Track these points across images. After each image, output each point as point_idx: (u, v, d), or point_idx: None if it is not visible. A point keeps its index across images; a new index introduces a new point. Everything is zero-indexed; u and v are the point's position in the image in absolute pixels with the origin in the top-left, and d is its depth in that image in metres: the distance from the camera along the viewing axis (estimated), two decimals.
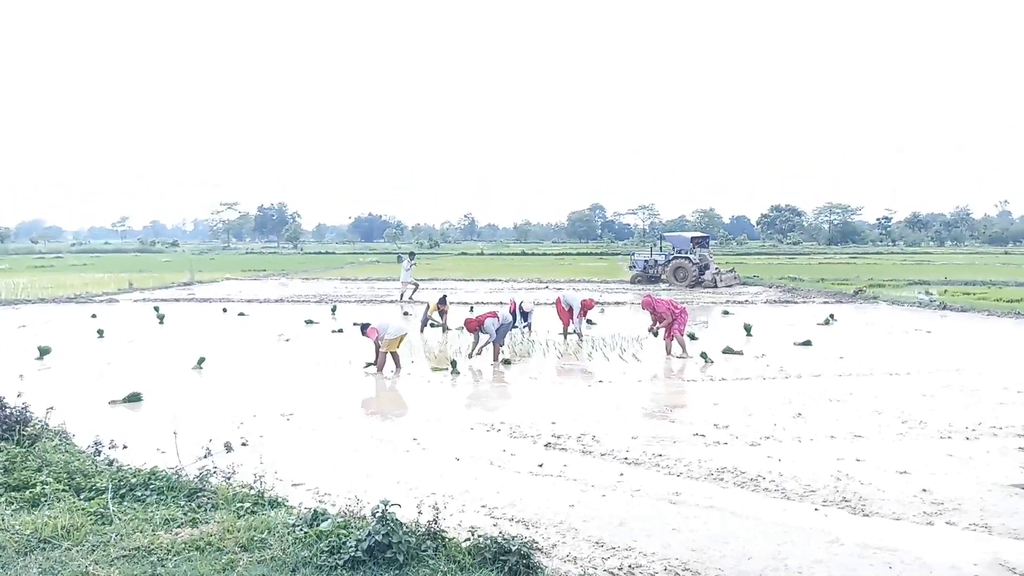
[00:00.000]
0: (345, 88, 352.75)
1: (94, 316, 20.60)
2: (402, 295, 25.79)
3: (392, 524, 4.64)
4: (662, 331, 14.09)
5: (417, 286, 26.06)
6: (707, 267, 32.29)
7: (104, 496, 5.14)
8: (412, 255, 27.31)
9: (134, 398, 10.47)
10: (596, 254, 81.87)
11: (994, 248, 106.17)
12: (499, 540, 4.70)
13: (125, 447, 6.80)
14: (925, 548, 5.46)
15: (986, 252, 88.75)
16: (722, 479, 6.97)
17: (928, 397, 10.45)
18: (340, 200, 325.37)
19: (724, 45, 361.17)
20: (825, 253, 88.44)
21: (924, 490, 6.62)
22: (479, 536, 4.88)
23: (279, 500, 5.38)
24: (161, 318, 19.70)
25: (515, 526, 5.87)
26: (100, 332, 17.03)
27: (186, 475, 5.72)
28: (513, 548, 4.63)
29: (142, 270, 44.29)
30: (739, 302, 25.43)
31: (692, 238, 34.20)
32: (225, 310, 22.58)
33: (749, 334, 16.79)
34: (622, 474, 7.16)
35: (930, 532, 5.78)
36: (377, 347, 12.50)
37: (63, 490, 5.25)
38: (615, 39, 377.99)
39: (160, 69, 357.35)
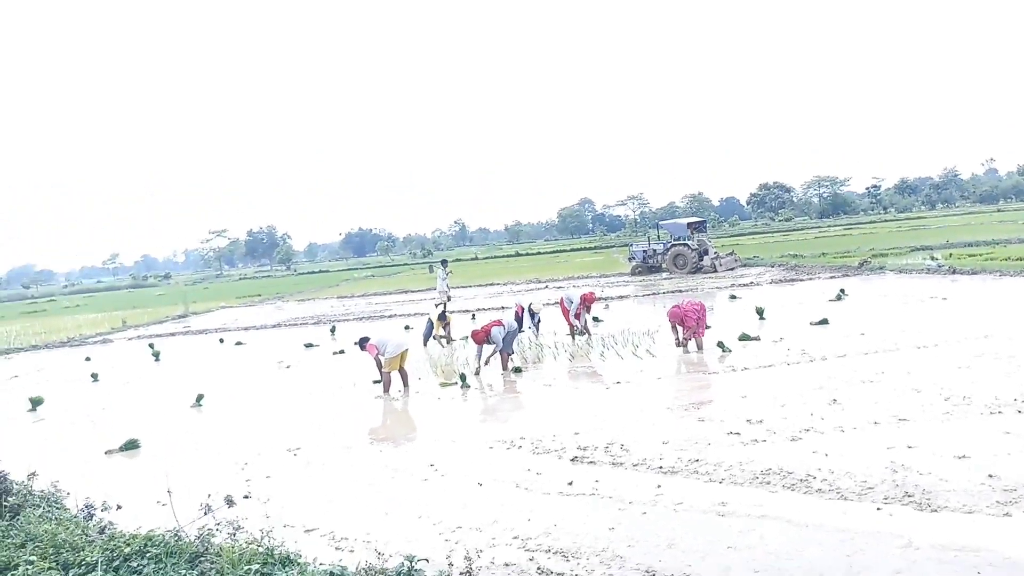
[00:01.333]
0: (326, 102, 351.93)
1: (88, 359, 20.03)
2: (444, 304, 24.85)
3: None
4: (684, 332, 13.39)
5: (450, 298, 24.61)
6: (706, 252, 31.79)
7: (95, 573, 4.59)
8: (445, 263, 25.82)
9: (131, 445, 9.91)
10: (590, 248, 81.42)
11: (986, 207, 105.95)
12: None
13: (119, 507, 6.24)
14: (1010, 546, 4.92)
15: (979, 212, 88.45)
16: (769, 482, 6.43)
17: (964, 369, 9.92)
18: (329, 217, 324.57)
19: (701, 29, 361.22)
20: (819, 227, 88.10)
21: (990, 476, 6.08)
22: None
23: (291, 556, 4.83)
24: (157, 355, 19.12)
25: (553, 558, 5.33)
26: (94, 376, 16.45)
27: (186, 536, 5.16)
28: None
29: (135, 306, 43.66)
30: (744, 284, 24.92)
31: (689, 224, 33.69)
32: (222, 340, 21.99)
33: (762, 317, 16.28)
34: (660, 486, 6.62)
35: (1010, 525, 5.24)
36: (379, 364, 11.95)
37: (50, 568, 4.69)
38: (592, 33, 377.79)
39: (136, 106, 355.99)
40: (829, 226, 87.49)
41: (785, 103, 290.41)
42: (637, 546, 5.41)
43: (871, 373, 10.20)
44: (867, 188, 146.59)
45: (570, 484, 6.87)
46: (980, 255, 26.32)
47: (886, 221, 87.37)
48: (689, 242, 32.06)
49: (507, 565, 5.27)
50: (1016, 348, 10.84)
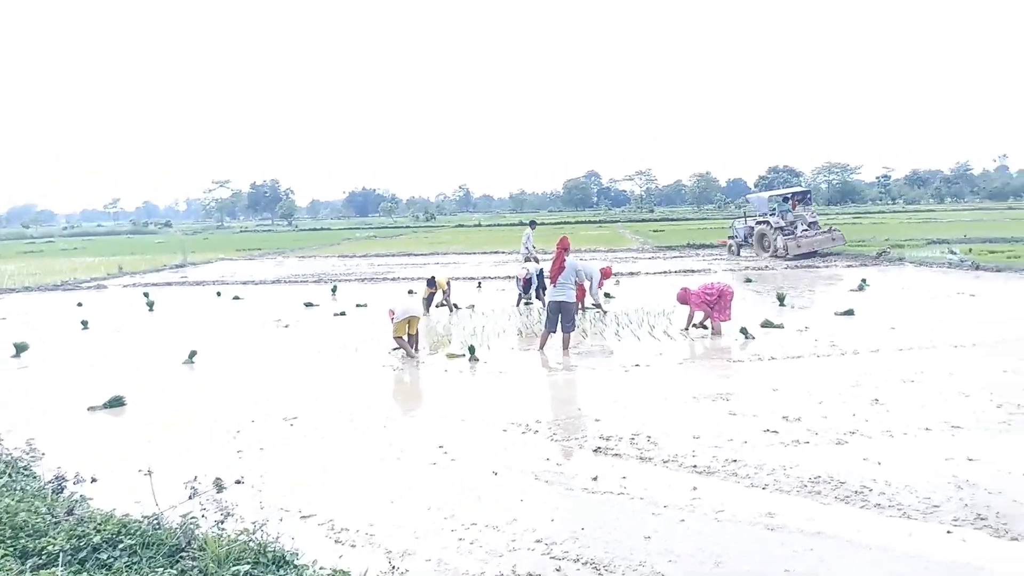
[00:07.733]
0: (336, 61, 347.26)
1: (80, 305, 19.35)
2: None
3: None
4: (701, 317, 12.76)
5: (528, 259, 22.77)
6: (792, 231, 27.46)
7: (56, 566, 3.93)
8: (533, 224, 24.29)
9: (116, 403, 9.25)
10: (595, 222, 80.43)
11: (996, 204, 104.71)
12: None
13: (95, 480, 5.58)
14: None
15: (989, 208, 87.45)
16: (819, 492, 5.78)
17: (1011, 373, 9.26)
18: (334, 175, 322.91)
19: (717, 9, 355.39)
20: (827, 214, 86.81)
21: None
22: None
23: (286, 556, 4.18)
24: (151, 305, 18.44)
25: (583, 570, 4.69)
26: (84, 323, 15.78)
27: (167, 524, 4.51)
28: None
29: (134, 252, 42.93)
30: (758, 268, 24.19)
31: (785, 196, 30.02)
32: (219, 294, 21.30)
33: (782, 304, 15.62)
34: (695, 488, 5.97)
35: None
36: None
37: (5, 555, 4.04)
38: (609, 7, 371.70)
39: (148, 50, 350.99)
40: (837, 214, 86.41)
41: (798, 87, 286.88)
42: (679, 562, 4.76)
43: (910, 372, 9.53)
44: (877, 177, 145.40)
45: (595, 479, 6.22)
46: (1002, 252, 25.60)
47: (895, 212, 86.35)
48: (771, 219, 28.30)
49: None
50: None
